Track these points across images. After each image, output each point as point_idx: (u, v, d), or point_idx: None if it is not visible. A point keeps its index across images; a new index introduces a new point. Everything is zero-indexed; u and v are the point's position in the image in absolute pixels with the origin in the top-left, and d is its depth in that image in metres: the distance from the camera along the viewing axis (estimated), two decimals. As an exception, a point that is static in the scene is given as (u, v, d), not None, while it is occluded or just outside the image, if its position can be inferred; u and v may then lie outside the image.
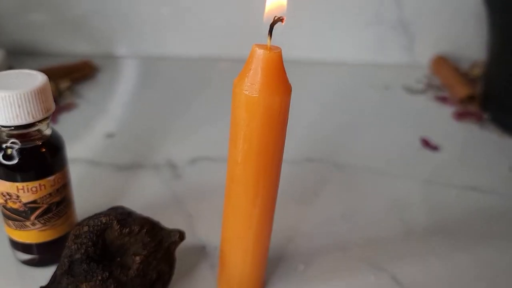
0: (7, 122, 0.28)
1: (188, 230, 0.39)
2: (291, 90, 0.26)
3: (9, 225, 0.32)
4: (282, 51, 0.26)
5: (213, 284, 0.34)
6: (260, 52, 0.25)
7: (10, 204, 0.31)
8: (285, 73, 0.26)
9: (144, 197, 0.43)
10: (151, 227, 0.30)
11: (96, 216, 0.29)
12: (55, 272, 0.30)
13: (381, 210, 0.43)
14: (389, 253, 0.38)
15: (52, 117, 0.53)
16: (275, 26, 0.25)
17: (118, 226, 0.29)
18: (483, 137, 0.56)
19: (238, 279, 0.32)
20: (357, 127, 0.57)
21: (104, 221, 0.29)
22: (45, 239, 0.33)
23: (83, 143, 0.50)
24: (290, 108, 0.27)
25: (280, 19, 0.25)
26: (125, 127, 0.52)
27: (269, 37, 0.26)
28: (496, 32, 0.58)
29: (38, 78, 0.30)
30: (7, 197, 0.31)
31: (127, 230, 0.29)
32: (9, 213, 0.31)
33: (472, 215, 0.43)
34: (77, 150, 0.48)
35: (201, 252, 0.37)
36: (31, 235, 0.32)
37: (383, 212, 0.43)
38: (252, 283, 0.33)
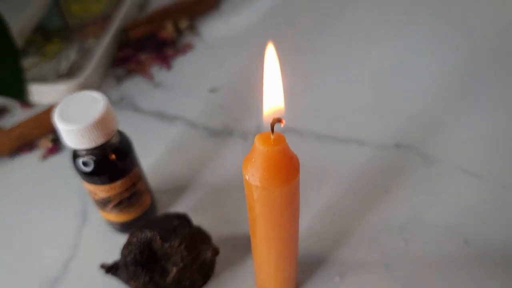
0: (86, 146, 0.34)
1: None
2: (294, 177, 0.27)
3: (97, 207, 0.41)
4: (286, 140, 0.26)
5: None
6: (261, 148, 0.26)
7: (93, 196, 0.38)
8: (288, 163, 0.26)
9: (228, 169, 0.47)
10: (190, 243, 0.35)
11: (143, 230, 0.35)
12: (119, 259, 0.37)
13: (445, 225, 0.41)
14: None
15: (167, 62, 0.57)
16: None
17: (160, 241, 0.35)
18: None
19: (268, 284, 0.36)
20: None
21: (149, 235, 0.35)
22: (121, 220, 0.41)
23: (186, 99, 0.54)
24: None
25: (279, 120, 0.25)
26: (229, 79, 0.53)
27: (271, 132, 0.25)
28: None
29: (99, 101, 0.34)
30: (91, 191, 0.38)
31: (168, 244, 0.35)
32: (95, 200, 0.39)
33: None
34: (179, 107, 0.52)
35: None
36: (111, 216, 0.40)
37: (446, 230, 0.41)
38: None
